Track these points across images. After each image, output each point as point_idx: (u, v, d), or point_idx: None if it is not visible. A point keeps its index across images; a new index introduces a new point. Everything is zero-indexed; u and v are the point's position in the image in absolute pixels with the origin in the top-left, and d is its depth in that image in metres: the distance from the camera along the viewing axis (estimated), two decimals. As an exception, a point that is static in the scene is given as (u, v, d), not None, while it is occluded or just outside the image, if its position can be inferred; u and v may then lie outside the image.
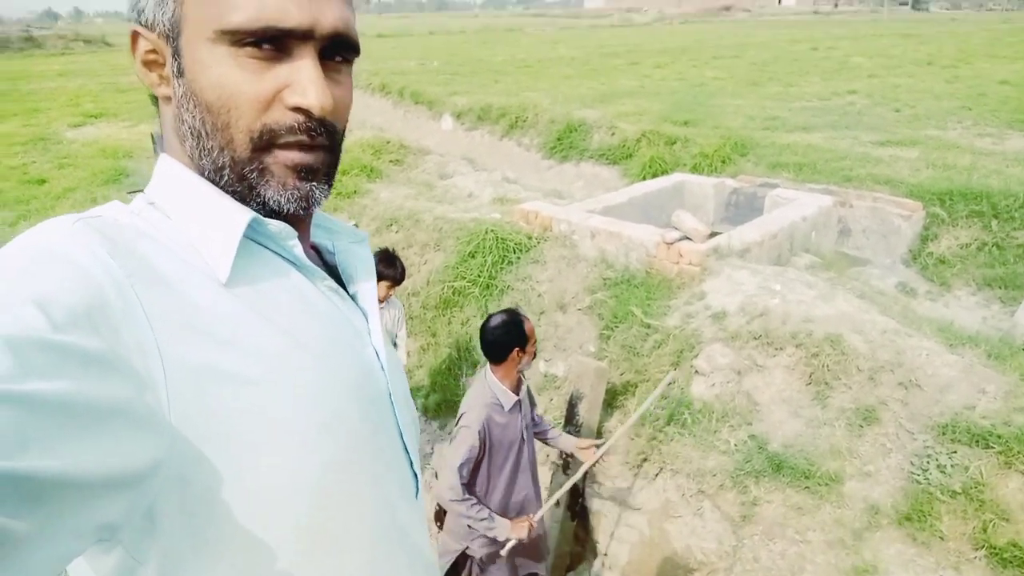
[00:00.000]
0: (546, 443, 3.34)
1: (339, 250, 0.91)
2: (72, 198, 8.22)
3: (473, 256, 5.56)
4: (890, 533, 2.99)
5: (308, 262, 0.78)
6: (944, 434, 3.16)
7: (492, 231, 5.64)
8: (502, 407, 2.81)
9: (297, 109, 0.70)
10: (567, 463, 3.97)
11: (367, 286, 0.87)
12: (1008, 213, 5.61)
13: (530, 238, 5.60)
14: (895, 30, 30.05)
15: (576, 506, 4.08)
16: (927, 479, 3.05)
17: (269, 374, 0.66)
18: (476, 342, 5.15)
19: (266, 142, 0.71)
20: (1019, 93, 11.35)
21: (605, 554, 3.85)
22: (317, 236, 0.90)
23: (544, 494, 3.34)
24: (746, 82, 14.21)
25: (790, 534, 3.15)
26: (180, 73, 0.71)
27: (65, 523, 0.47)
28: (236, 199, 0.73)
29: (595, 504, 4.04)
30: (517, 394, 2.87)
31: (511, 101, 11.46)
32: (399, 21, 69.39)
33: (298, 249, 0.76)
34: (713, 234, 5.59)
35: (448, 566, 2.98)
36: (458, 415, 2.85)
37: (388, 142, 9.46)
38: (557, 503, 3.75)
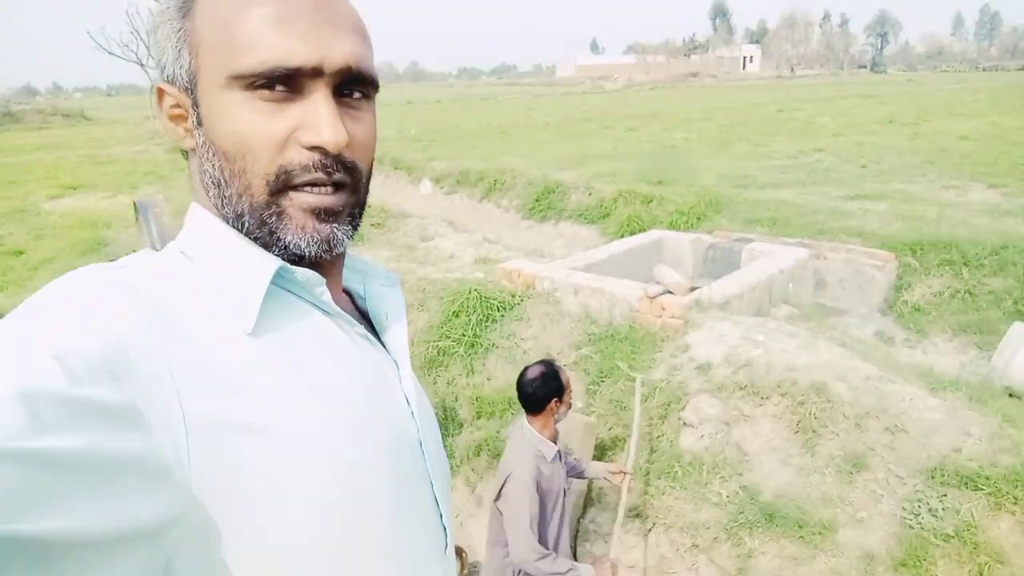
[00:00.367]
0: (580, 477, 3.29)
1: (370, 294, 0.89)
2: (50, 268, 8.16)
3: (457, 315, 5.58)
4: (887, 580, 2.97)
5: (337, 309, 0.76)
6: (933, 477, 3.18)
7: (475, 290, 5.68)
8: (545, 458, 2.76)
9: (312, 148, 0.69)
10: None
11: (398, 331, 0.85)
12: (977, 261, 5.77)
13: (513, 296, 5.64)
14: (855, 91, 31.28)
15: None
16: (920, 523, 3.05)
17: (291, 426, 0.64)
18: (462, 401, 5.13)
19: (282, 183, 0.70)
20: (979, 148, 11.80)
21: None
22: (350, 279, 0.89)
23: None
24: (716, 143, 14.64)
25: (787, 585, 3.12)
26: (199, 123, 0.72)
27: None
28: (260, 245, 0.72)
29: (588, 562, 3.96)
30: (556, 444, 2.83)
31: (489, 165, 11.68)
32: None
33: (326, 296, 0.75)
34: (693, 288, 5.68)
35: None
36: (502, 473, 2.76)
37: (369, 206, 9.50)
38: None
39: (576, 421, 4.12)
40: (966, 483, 3.08)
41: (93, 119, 38.86)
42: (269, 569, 0.63)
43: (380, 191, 12.45)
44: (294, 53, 0.67)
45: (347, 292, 0.89)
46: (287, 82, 0.68)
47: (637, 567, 3.71)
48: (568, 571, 2.64)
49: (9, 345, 0.53)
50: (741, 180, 9.88)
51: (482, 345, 5.38)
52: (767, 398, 3.90)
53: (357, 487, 0.68)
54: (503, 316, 5.51)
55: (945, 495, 3.09)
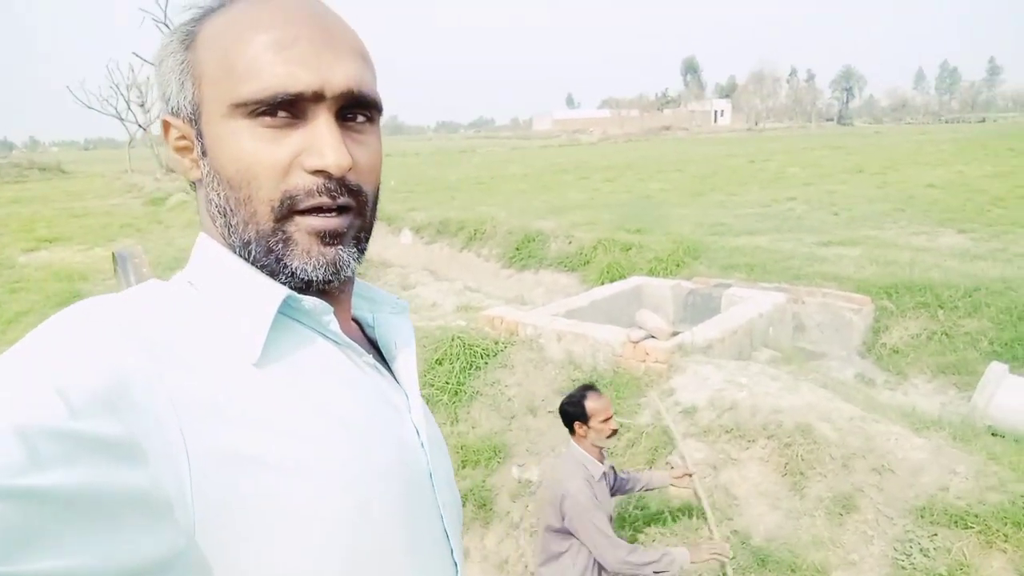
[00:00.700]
0: (646, 489, 3.25)
1: (379, 323, 0.88)
2: (24, 321, 8.02)
3: (440, 363, 5.55)
4: (882, 623, 2.94)
5: (345, 338, 0.75)
6: (923, 517, 3.18)
7: (458, 338, 5.66)
8: (593, 476, 2.77)
9: (316, 172, 0.69)
10: None
11: (407, 360, 0.84)
12: (952, 303, 5.88)
13: (496, 343, 5.63)
14: (824, 143, 32.17)
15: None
16: (912, 564, 3.03)
17: (297, 459, 0.63)
18: (447, 450, 5.06)
19: (287, 209, 0.69)
20: (946, 195, 12.14)
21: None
22: (360, 307, 0.88)
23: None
24: (690, 193, 14.92)
25: (782, 631, 3.07)
26: (204, 153, 0.72)
27: None
28: (267, 273, 0.72)
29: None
30: (602, 464, 2.84)
31: (468, 215, 11.78)
32: (354, 145, 71.27)
33: (334, 325, 0.74)
34: (675, 333, 5.71)
35: None
36: (555, 494, 2.73)
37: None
38: None
39: (543, 490, 4.06)
40: (956, 522, 3.08)
41: (70, 172, 38.76)
42: None
43: (360, 241, 12.47)
44: (295, 79, 0.67)
45: (356, 321, 0.88)
46: (289, 108, 0.68)
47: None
48: (662, 556, 2.59)
49: (8, 379, 0.52)
50: (717, 228, 10.05)
51: (466, 393, 5.34)
52: (753, 441, 3.90)
53: (364, 520, 0.67)
54: (486, 363, 5.48)
55: (935, 534, 3.08)
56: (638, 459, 4.12)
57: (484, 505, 4.37)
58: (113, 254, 8.50)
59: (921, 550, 3.06)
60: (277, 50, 0.68)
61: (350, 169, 0.70)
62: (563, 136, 64.39)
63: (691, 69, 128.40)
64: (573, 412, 2.83)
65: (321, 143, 0.69)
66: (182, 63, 0.72)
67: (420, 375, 5.50)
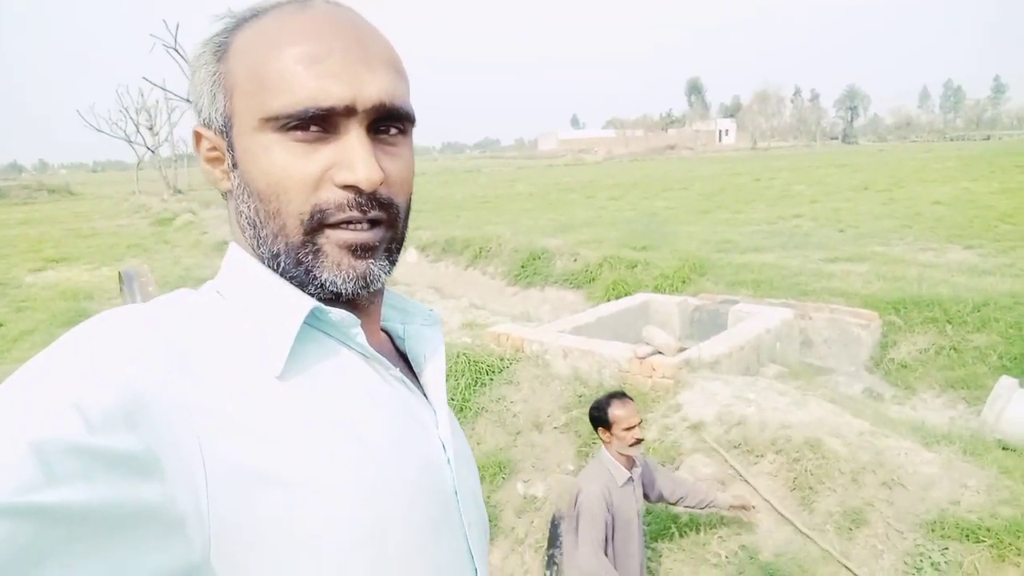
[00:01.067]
0: (701, 509, 3.30)
1: (409, 335, 0.87)
2: (30, 340, 8.05)
3: (446, 379, 5.53)
4: (894, 639, 2.89)
5: (372, 351, 0.74)
6: (933, 531, 3.14)
7: (464, 354, 5.65)
8: (616, 481, 2.82)
9: (347, 186, 0.68)
10: (551, 559, 3.80)
11: (436, 374, 0.83)
12: (960, 318, 5.85)
13: (502, 359, 5.62)
14: (829, 161, 32.22)
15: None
16: (924, 579, 2.99)
17: (318, 476, 0.62)
18: (474, 466, 5.05)
19: (317, 222, 0.69)
20: (952, 212, 12.12)
21: None
22: (391, 318, 0.87)
23: None
24: (696, 211, 14.94)
25: (792, 648, 3.02)
26: (235, 166, 0.72)
27: None
28: (296, 285, 0.71)
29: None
30: (629, 471, 2.87)
31: (474, 233, 11.81)
32: (360, 166, 72.04)
33: (361, 338, 0.73)
34: (682, 349, 5.68)
35: None
36: (575, 489, 2.83)
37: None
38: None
39: (567, 484, 4.04)
40: (967, 535, 3.04)
41: (78, 194, 39.11)
42: None
43: (366, 260, 12.53)
44: (327, 93, 0.66)
45: (386, 332, 0.87)
46: (321, 122, 0.67)
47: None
48: None
49: (25, 393, 0.51)
50: (723, 245, 10.05)
51: (471, 409, 5.32)
52: (762, 456, 3.87)
53: (385, 539, 0.66)
54: (492, 380, 5.47)
55: (947, 548, 3.04)
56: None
57: (489, 521, 4.33)
58: (120, 273, 8.55)
59: (932, 564, 3.02)
60: (309, 63, 0.67)
61: (381, 183, 0.69)
62: (568, 156, 64.70)
63: (695, 89, 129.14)
64: (598, 417, 2.90)
65: (352, 158, 0.68)
66: (214, 75, 0.72)
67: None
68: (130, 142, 39.47)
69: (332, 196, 0.68)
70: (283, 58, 0.67)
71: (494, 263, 10.60)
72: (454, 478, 0.77)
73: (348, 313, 0.71)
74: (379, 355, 0.75)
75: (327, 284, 0.70)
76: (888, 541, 3.22)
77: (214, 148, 0.74)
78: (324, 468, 0.63)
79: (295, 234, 0.69)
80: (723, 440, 4.04)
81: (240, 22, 0.72)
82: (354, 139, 0.68)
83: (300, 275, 0.70)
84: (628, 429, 2.81)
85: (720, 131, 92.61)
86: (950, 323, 5.88)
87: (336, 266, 0.70)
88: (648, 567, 3.66)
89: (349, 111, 0.68)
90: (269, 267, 0.72)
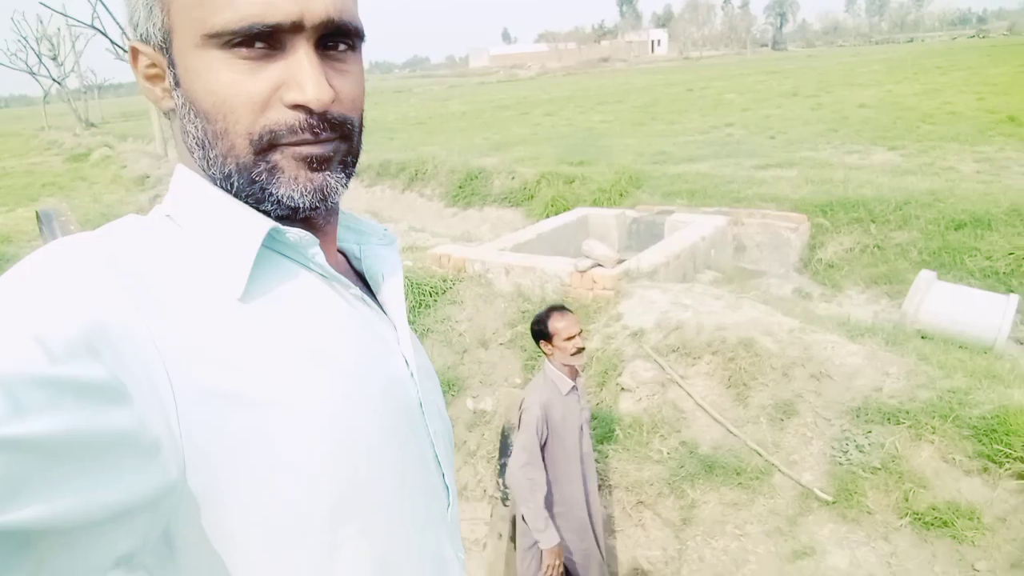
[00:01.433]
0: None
1: (366, 254, 0.86)
2: (-53, 288, 7.66)
3: (391, 302, 5.53)
4: (822, 515, 3.12)
5: (332, 271, 0.74)
6: (858, 417, 3.36)
7: (407, 277, 5.62)
8: (560, 391, 2.90)
9: (296, 106, 0.66)
10: (506, 495, 3.94)
11: (394, 291, 0.83)
12: (884, 217, 6.10)
13: (445, 281, 5.63)
14: (759, 68, 32.41)
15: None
16: (848, 460, 3.22)
17: (283, 394, 0.63)
18: (436, 379, 5.11)
19: (268, 144, 0.67)
20: (877, 114, 12.43)
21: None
22: (346, 239, 0.86)
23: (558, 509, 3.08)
24: (631, 123, 14.93)
25: (730, 530, 3.24)
26: (177, 84, 0.68)
27: (75, 563, 0.45)
28: (251, 203, 0.69)
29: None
30: (573, 380, 2.94)
31: (409, 155, 11.58)
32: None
33: (320, 258, 0.72)
34: (621, 260, 5.79)
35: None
36: (520, 401, 2.93)
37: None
38: (500, 535, 3.70)
39: (515, 397, 4.15)
40: (888, 419, 3.26)
41: (-15, 132, 36.54)
42: (267, 536, 0.62)
43: (299, 188, 12.21)
44: (273, 8, 0.63)
45: (343, 253, 0.86)
46: (267, 39, 0.64)
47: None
48: (545, 523, 2.74)
49: None
50: (658, 156, 10.12)
51: (417, 331, 5.33)
52: (699, 357, 4.03)
53: (355, 452, 0.67)
54: (436, 301, 5.49)
55: (870, 431, 3.27)
56: (590, 382, 4.23)
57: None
58: (37, 213, 8.13)
59: (857, 447, 3.25)
60: None
61: (332, 102, 0.67)
62: (501, 72, 63.33)
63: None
64: (539, 331, 2.95)
65: (301, 76, 0.65)
66: None
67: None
68: (33, 74, 36.77)
69: (282, 117, 0.66)
70: None
71: (431, 185, 10.47)
72: (418, 391, 0.78)
73: (306, 233, 0.70)
74: (338, 275, 0.74)
75: (284, 199, 0.68)
76: (816, 428, 3.44)
77: (153, 64, 0.70)
78: (291, 387, 0.63)
79: (245, 154, 0.67)
80: (662, 345, 4.19)
81: None
82: (302, 57, 0.66)
83: (255, 192, 0.69)
84: (568, 339, 2.87)
85: (652, 41, 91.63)
86: (874, 222, 6.13)
87: (293, 180, 0.68)
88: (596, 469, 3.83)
89: (296, 27, 0.65)
90: (222, 187, 0.70)
